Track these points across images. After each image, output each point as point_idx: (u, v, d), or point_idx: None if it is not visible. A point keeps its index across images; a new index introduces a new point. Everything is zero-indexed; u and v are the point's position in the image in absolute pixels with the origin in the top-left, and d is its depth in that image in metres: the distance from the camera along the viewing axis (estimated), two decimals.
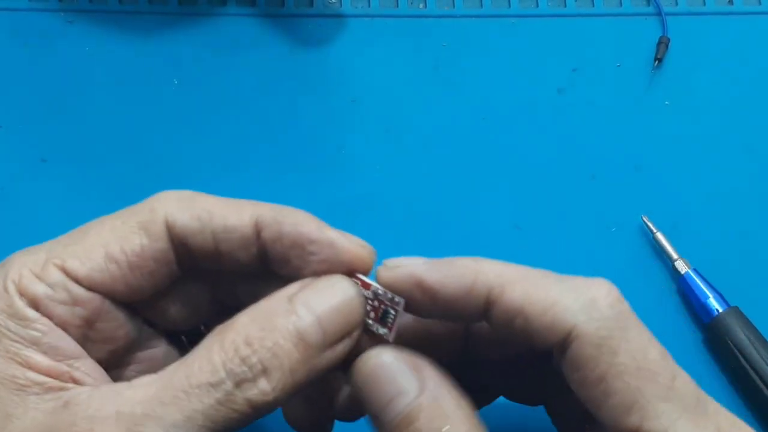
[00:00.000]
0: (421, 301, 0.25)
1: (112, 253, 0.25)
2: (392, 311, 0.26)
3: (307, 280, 0.25)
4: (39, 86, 0.47)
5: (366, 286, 0.26)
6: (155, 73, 0.48)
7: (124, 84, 0.47)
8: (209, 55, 0.48)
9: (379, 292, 0.26)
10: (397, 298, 0.26)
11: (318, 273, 0.26)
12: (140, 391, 0.23)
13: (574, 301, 0.23)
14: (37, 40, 0.48)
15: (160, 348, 0.30)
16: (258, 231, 0.26)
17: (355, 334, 0.25)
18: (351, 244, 0.26)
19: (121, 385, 0.24)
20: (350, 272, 0.26)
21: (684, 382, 0.23)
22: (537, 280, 0.24)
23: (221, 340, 0.23)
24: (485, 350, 0.28)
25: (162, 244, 0.26)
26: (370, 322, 0.26)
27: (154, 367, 0.24)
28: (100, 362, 0.26)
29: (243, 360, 0.23)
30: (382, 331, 0.26)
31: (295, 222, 0.26)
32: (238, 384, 0.23)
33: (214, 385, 0.23)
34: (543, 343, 0.24)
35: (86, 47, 0.48)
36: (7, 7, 0.49)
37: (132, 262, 0.26)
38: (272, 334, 0.23)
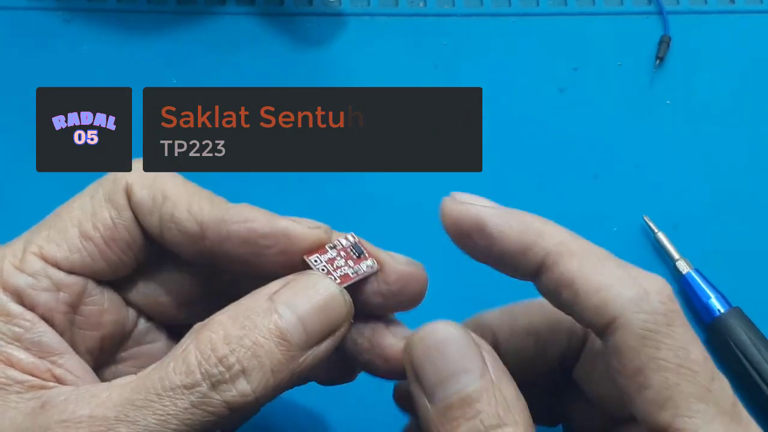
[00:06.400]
0: (477, 244, 0.25)
1: (86, 231, 0.25)
2: (358, 244, 0.26)
3: (289, 278, 0.25)
4: (36, 85, 0.46)
5: (324, 251, 0.26)
6: (154, 72, 0.47)
7: (122, 83, 0.47)
8: (208, 54, 0.48)
9: (334, 242, 0.26)
10: (350, 236, 0.26)
11: (276, 265, 0.25)
12: (116, 393, 0.23)
13: (628, 289, 0.23)
14: (34, 39, 0.48)
15: (160, 343, 0.29)
16: (203, 231, 0.26)
17: (340, 331, 0.25)
18: (306, 230, 0.26)
19: (100, 387, 0.23)
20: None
21: (722, 386, 0.23)
22: (596, 259, 0.24)
23: (197, 339, 0.23)
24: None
25: (129, 213, 0.26)
26: (353, 269, 0.26)
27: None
28: (92, 353, 0.26)
29: (220, 360, 0.22)
30: (369, 264, 0.26)
31: (243, 219, 0.25)
32: (215, 385, 0.22)
33: (189, 388, 0.22)
34: (585, 322, 0.24)
35: (84, 46, 0.48)
36: (5, 5, 0.49)
37: (106, 236, 0.26)
38: (252, 332, 0.23)
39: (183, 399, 0.22)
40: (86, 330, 0.26)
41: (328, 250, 0.26)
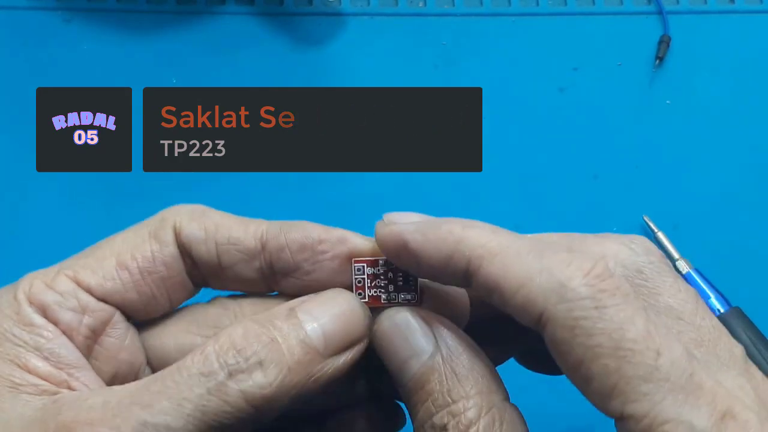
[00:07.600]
0: (408, 264, 0.25)
1: (123, 261, 0.26)
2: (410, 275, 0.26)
3: (309, 296, 0.25)
4: (36, 85, 0.46)
5: (374, 263, 0.26)
6: (154, 72, 0.47)
7: (122, 83, 0.47)
8: (208, 54, 0.48)
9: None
10: None
11: (331, 272, 0.26)
12: (132, 384, 0.23)
13: (547, 280, 0.22)
14: (34, 39, 0.48)
15: None
16: (263, 244, 0.26)
17: (360, 346, 0.25)
18: (362, 239, 0.26)
19: (115, 387, 0.24)
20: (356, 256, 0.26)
21: (672, 358, 0.21)
22: (516, 254, 0.22)
23: (217, 337, 0.23)
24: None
25: (171, 249, 0.26)
26: (389, 295, 0.26)
27: None
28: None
29: (238, 351, 0.23)
30: (407, 297, 0.26)
31: (301, 228, 0.26)
32: (232, 374, 0.22)
33: (206, 375, 0.22)
34: (522, 322, 0.23)
35: (84, 46, 0.48)
36: (5, 5, 0.49)
37: (143, 268, 0.26)
38: (272, 331, 0.23)
39: (199, 385, 0.22)
40: (101, 363, 0.26)
41: (380, 264, 0.26)
